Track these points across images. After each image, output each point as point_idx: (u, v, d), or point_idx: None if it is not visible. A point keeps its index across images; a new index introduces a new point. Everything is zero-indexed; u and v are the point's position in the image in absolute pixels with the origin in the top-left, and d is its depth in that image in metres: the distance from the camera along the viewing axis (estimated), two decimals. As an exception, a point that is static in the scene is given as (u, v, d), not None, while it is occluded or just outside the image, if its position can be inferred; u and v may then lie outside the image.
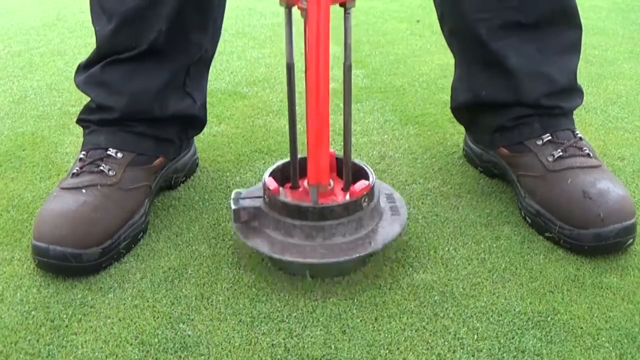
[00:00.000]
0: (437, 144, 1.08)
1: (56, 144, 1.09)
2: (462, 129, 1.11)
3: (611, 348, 0.65)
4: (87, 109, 0.90)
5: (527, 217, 0.86)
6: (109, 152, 0.85)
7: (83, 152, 0.87)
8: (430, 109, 1.22)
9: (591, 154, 0.85)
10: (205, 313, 0.70)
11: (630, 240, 0.78)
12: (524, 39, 0.86)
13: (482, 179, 0.97)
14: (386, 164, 1.01)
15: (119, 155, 0.86)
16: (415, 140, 1.09)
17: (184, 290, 0.74)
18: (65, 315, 0.70)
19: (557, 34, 0.87)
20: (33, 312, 0.70)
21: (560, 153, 0.85)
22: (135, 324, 0.69)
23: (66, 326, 0.69)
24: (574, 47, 0.90)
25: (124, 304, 0.72)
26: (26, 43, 1.65)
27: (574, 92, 0.91)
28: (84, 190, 0.80)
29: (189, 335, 0.67)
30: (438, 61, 1.49)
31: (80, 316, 0.70)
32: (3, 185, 0.96)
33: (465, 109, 0.97)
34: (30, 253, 0.77)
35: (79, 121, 0.91)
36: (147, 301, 0.72)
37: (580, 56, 0.90)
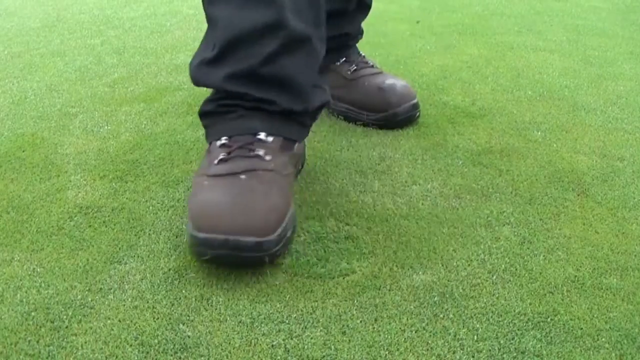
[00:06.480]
0: (437, 145, 1.08)
1: (56, 145, 1.09)
2: (462, 129, 1.11)
3: (611, 349, 0.65)
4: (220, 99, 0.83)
5: (339, 115, 1.13)
6: (259, 137, 0.80)
7: (225, 138, 0.81)
8: (430, 110, 1.22)
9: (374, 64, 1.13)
10: (205, 314, 0.70)
11: (418, 114, 1.13)
12: None
13: (482, 179, 0.97)
14: (386, 164, 1.01)
15: (270, 139, 0.80)
16: (415, 141, 1.09)
17: (184, 291, 0.74)
18: (65, 316, 0.70)
19: None
20: (33, 313, 0.70)
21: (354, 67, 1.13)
22: (135, 325, 0.69)
23: (66, 327, 0.69)
24: None
25: (124, 305, 0.72)
26: (26, 44, 1.65)
27: None
28: (242, 176, 0.75)
29: (189, 336, 0.67)
30: (438, 62, 1.49)
31: (80, 317, 0.70)
32: (3, 186, 0.96)
33: None
34: (196, 246, 0.73)
35: (223, 105, 0.83)
36: (147, 302, 0.72)
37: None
